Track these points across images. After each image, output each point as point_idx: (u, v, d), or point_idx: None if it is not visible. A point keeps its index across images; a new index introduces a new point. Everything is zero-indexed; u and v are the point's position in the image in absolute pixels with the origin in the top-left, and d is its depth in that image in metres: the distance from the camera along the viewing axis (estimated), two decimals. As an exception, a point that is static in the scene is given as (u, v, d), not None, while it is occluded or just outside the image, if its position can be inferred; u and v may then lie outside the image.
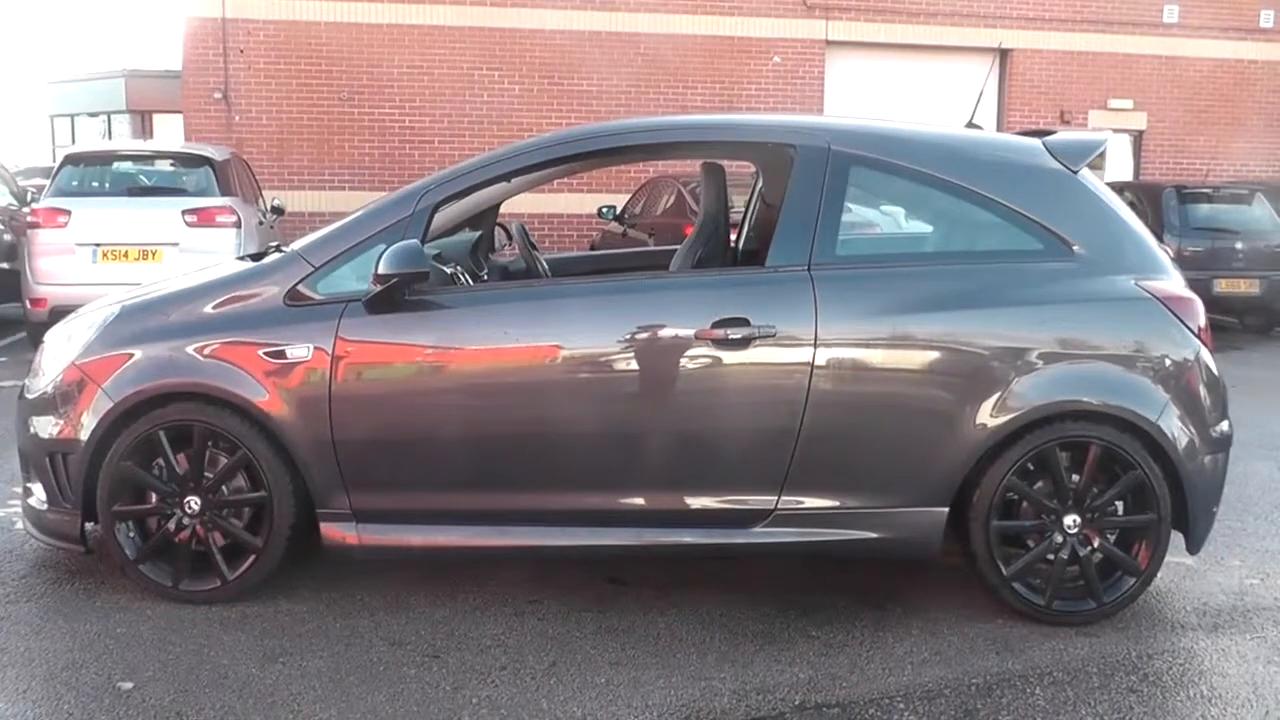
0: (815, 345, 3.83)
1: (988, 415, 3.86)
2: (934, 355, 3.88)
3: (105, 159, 10.99)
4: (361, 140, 16.13)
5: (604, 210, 13.47)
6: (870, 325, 3.88)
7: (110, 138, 26.29)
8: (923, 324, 3.88)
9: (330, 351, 3.85)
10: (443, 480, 3.95)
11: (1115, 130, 16.42)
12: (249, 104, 15.95)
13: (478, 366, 3.93)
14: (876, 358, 3.89)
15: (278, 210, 12.03)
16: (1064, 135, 4.23)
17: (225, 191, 10.17)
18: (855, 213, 4.11)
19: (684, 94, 16.35)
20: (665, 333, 3.89)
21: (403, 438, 3.93)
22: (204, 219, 9.74)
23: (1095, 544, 3.97)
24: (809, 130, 4.13)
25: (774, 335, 3.83)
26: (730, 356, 3.85)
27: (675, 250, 5.35)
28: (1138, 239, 4.10)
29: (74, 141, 26.36)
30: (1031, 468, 3.95)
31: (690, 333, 3.86)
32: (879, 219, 4.40)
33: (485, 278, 5.17)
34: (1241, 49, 17.82)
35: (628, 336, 3.89)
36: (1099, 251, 4.01)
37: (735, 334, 3.82)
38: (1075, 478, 3.96)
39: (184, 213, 9.74)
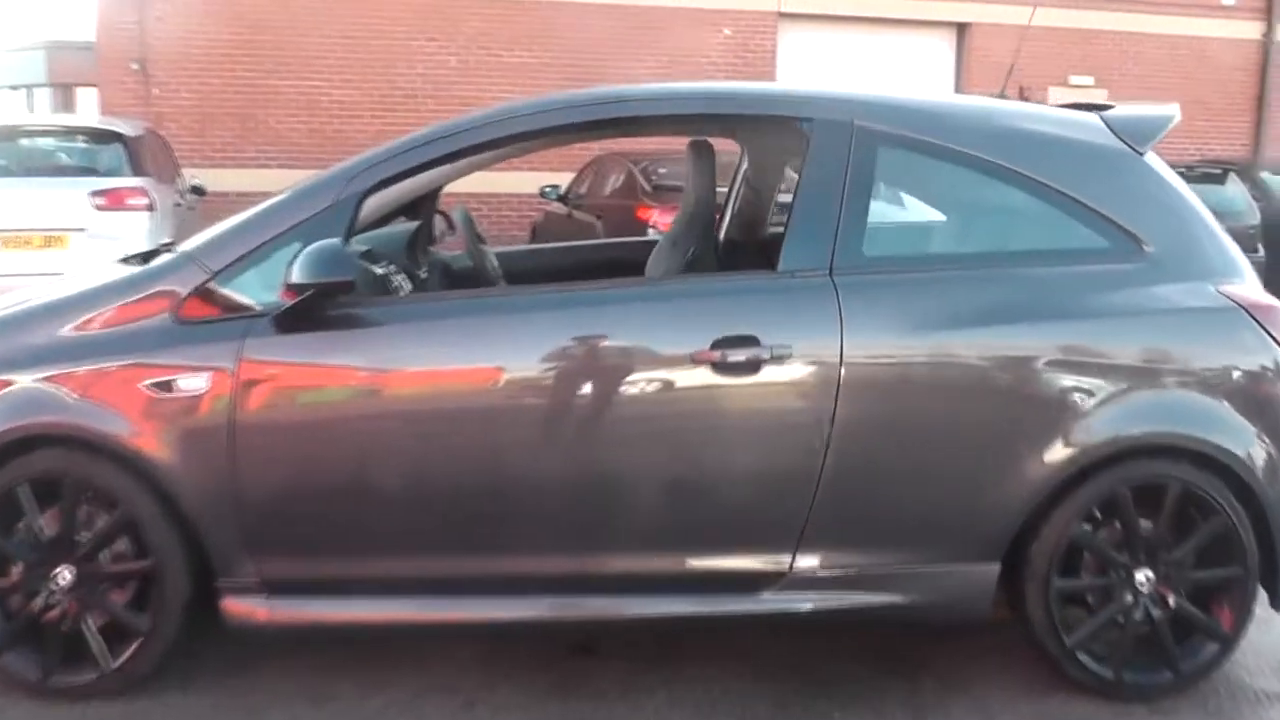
0: (840, 368, 3.09)
1: (1049, 452, 3.15)
2: (984, 379, 3.17)
3: (5, 135, 9.99)
4: (288, 114, 15.11)
5: (546, 190, 12.61)
6: (907, 343, 3.15)
7: (32, 112, 25.07)
8: (970, 341, 3.16)
9: (232, 380, 3.04)
10: (375, 540, 3.16)
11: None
12: (168, 75, 14.83)
13: (418, 400, 3.14)
14: (915, 383, 3.16)
15: (198, 191, 11.08)
16: (1125, 109, 3.51)
17: (138, 170, 9.26)
18: (885, 204, 3.35)
19: (629, 67, 15.48)
20: (652, 355, 3.13)
21: (324, 488, 3.13)
22: (113, 201, 8.79)
23: (1170, 603, 3.29)
24: (827, 102, 3.36)
25: (789, 357, 3.09)
26: (734, 384, 3.10)
27: (650, 243, 4.59)
28: (1213, 234, 3.40)
29: (-7, 117, 25.07)
30: (1098, 514, 3.26)
31: (684, 355, 3.10)
32: (910, 211, 3.60)
33: (425, 277, 4.36)
34: (1203, 26, 17.36)
35: (605, 360, 3.13)
36: (1173, 250, 3.31)
37: (740, 356, 3.08)
38: (1146, 524, 3.27)
39: (91, 194, 8.78)
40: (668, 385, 3.12)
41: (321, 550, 3.16)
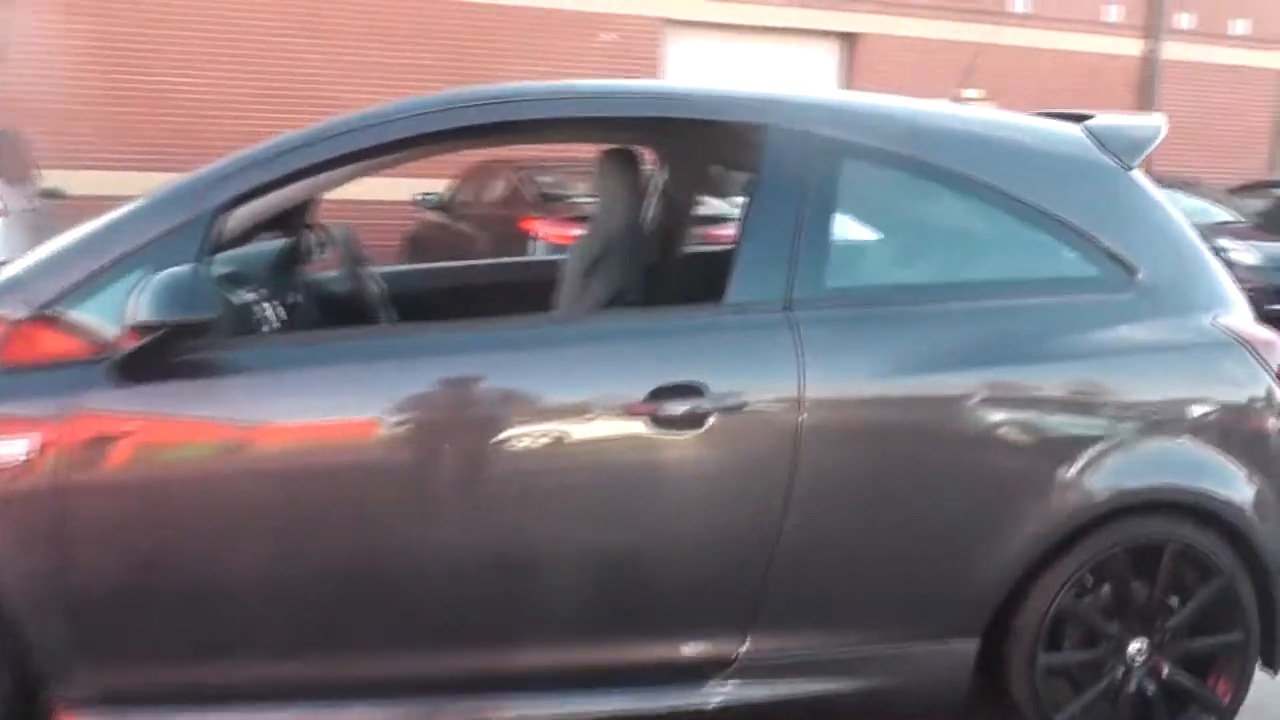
0: (801, 420, 2.62)
1: (1039, 511, 2.74)
2: (965, 431, 2.74)
3: None
4: (152, 112, 14.09)
5: (424, 198, 11.91)
6: (877, 390, 2.70)
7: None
8: (948, 387, 2.73)
9: (60, 443, 2.43)
10: (242, 636, 2.57)
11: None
12: (24, 68, 13.71)
13: (290, 465, 2.55)
14: (886, 436, 2.72)
15: (53, 194, 10.15)
16: (1109, 119, 3.12)
17: (-19, 171, 8.37)
18: (850, 226, 2.89)
19: (508, 69, 14.84)
20: (575, 408, 2.61)
21: (177, 574, 2.53)
22: (-49, 207, 7.94)
23: (1164, 674, 2.91)
24: (781, 106, 2.90)
25: (740, 408, 2.61)
26: (675, 440, 2.61)
27: (552, 263, 4.07)
28: (1203, 258, 3.04)
29: None
30: (1089, 579, 2.86)
31: (614, 408, 2.60)
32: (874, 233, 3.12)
33: (297, 302, 3.76)
34: (1089, 42, 17.51)
35: (518, 415, 2.60)
36: (1166, 278, 2.93)
37: (681, 408, 2.59)
38: (1139, 587, 2.89)
39: None
40: (594, 444, 2.62)
41: (175, 652, 2.56)
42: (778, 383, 2.63)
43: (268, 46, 14.45)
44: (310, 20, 14.54)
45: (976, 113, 3.13)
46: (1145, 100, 17.78)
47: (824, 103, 2.97)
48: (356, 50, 14.67)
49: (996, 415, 2.74)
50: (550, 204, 10.21)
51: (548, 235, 9.50)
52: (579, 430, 2.60)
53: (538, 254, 9.58)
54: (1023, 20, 17.02)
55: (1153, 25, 17.54)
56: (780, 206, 2.76)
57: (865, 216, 2.94)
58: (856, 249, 2.91)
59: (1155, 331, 2.88)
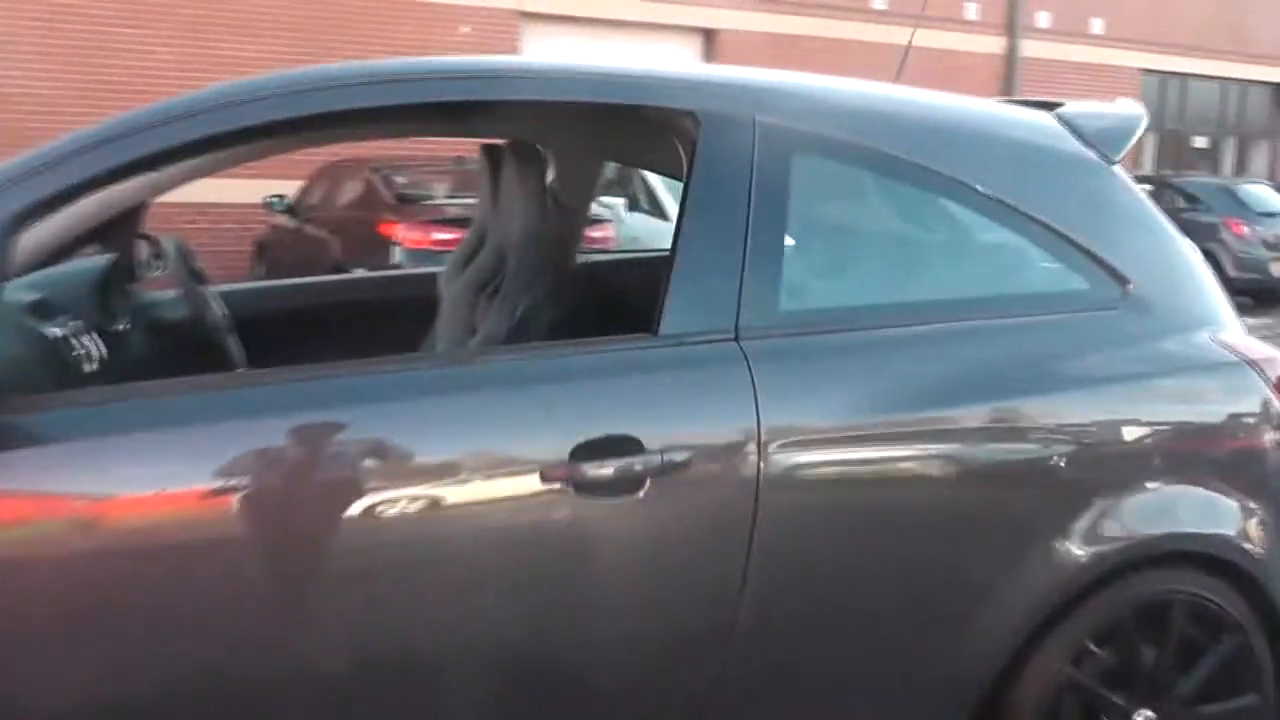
0: (759, 475, 2.11)
1: (1039, 569, 2.29)
2: (952, 477, 2.27)
3: None
4: (-25, 111, 12.89)
5: (272, 200, 11.06)
6: (847, 434, 2.21)
7: None
8: (931, 427, 2.25)
9: None
10: None
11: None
12: None
13: (112, 552, 1.93)
14: (859, 490, 2.24)
15: None
16: (1084, 107, 2.69)
17: None
18: (803, 234, 2.37)
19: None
20: (476, 473, 2.04)
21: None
22: None
23: (1172, 748, 2.50)
24: (718, 90, 2.38)
25: (685, 465, 2.09)
26: (606, 508, 2.07)
27: (424, 276, 3.48)
28: (1192, 265, 2.63)
29: None
30: (1091, 645, 2.42)
31: (526, 471, 2.05)
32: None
33: (124, 330, 3.09)
34: (951, 40, 17.53)
35: (402, 488, 2.01)
36: (1158, 290, 2.50)
37: (612, 468, 2.05)
38: (1144, 649, 2.46)
39: None
40: (500, 520, 2.07)
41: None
42: (730, 430, 2.12)
43: (104, 37, 13.38)
44: (148, 12, 13.54)
45: (938, 97, 2.64)
46: (1006, 96, 17.97)
47: (762, 84, 2.45)
48: (204, 41, 13.71)
49: (985, 458, 2.28)
50: (409, 205, 9.56)
51: (409, 240, 8.84)
52: (478, 505, 2.04)
53: (397, 259, 8.94)
54: (881, 16, 16.95)
55: (1012, 23, 17.69)
56: (721, 214, 2.24)
57: (820, 223, 2.42)
58: (811, 263, 2.39)
59: (1152, 353, 2.45)
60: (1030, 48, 17.82)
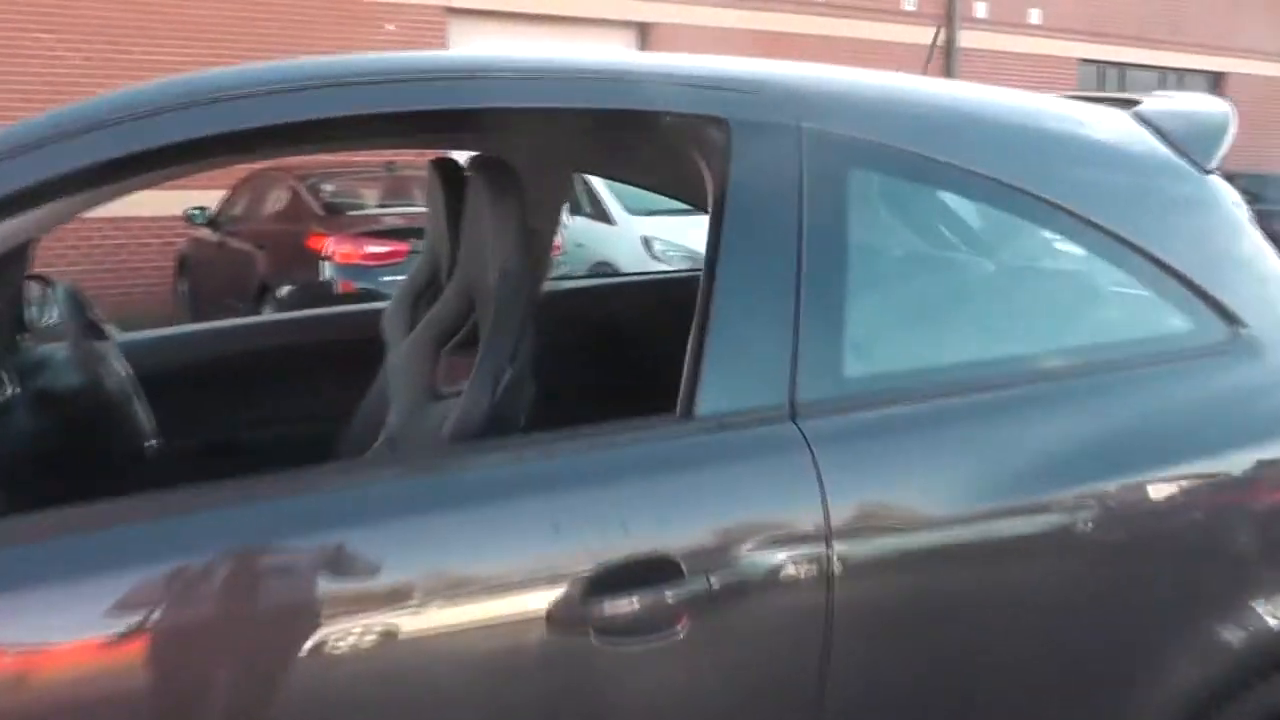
0: (830, 598, 1.63)
1: (1177, 669, 1.84)
2: (1068, 570, 1.81)
3: None
4: None
5: (193, 213, 10.38)
6: (941, 533, 1.74)
7: None
8: (1045, 513, 1.78)
9: None
10: None
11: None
12: None
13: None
14: (957, 604, 1.76)
15: None
16: (1164, 103, 2.23)
17: None
18: (868, 275, 1.86)
19: (284, 67, 13.50)
20: (464, 622, 1.54)
21: None
22: None
23: None
24: (753, 88, 1.87)
25: (741, 591, 1.60)
26: (635, 654, 1.58)
27: (368, 313, 2.92)
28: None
29: None
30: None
31: (532, 617, 1.55)
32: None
33: (11, 395, 2.52)
34: (889, 31, 17.26)
35: (365, 639, 1.50)
36: (1272, 330, 2.07)
37: (639, 602, 1.56)
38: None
39: None
40: (499, 682, 1.57)
41: None
42: (792, 539, 1.63)
43: (15, 48, 12.63)
44: (60, 16, 12.80)
45: (1012, 96, 2.14)
46: (947, 88, 17.82)
47: (808, 81, 1.95)
48: (112, 48, 12.99)
49: (1109, 544, 1.82)
50: (339, 216, 8.98)
51: (341, 255, 8.27)
52: (466, 665, 1.55)
53: (328, 275, 8.37)
54: (818, 8, 16.65)
55: (950, 14, 17.48)
56: (763, 252, 1.75)
57: (889, 259, 1.94)
58: (881, 313, 1.89)
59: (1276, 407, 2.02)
60: (968, 38, 17.63)
